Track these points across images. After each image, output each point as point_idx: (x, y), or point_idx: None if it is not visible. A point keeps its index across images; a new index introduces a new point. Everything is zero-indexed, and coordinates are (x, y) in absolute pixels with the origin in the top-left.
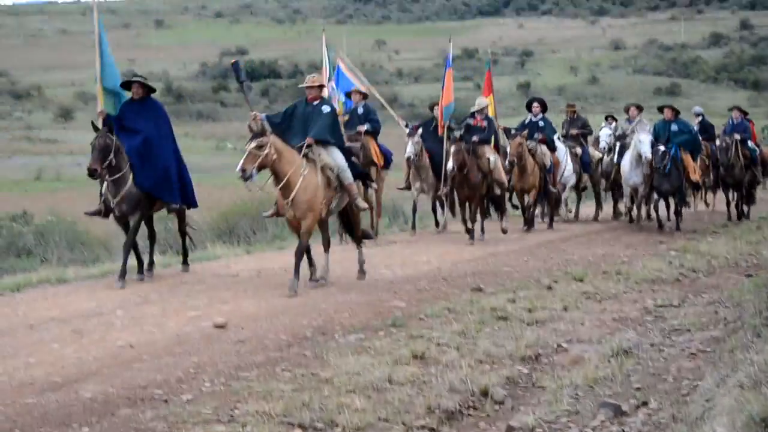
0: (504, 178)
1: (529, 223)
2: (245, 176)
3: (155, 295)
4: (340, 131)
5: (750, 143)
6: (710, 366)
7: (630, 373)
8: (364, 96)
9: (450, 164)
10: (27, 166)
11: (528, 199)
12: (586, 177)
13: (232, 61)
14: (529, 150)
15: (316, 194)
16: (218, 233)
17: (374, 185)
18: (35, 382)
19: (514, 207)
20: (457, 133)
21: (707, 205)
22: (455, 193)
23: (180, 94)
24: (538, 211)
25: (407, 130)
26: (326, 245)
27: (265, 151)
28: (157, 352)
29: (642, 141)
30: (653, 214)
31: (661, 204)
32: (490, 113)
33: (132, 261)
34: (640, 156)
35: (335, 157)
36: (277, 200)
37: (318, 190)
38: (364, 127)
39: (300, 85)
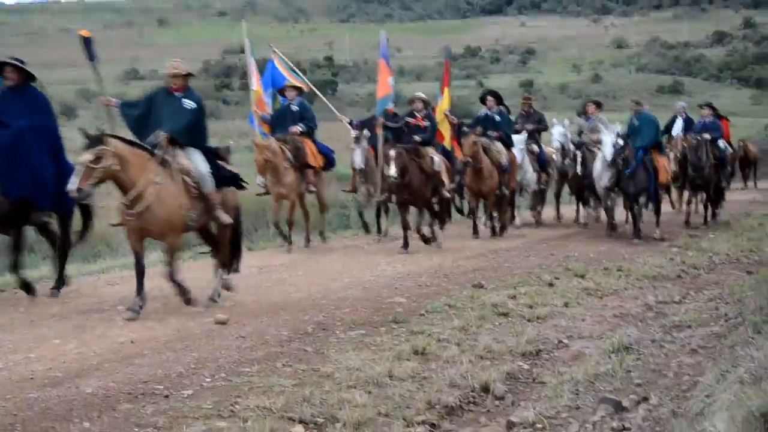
0: (448, 181)
1: (498, 230)
2: (81, 196)
3: (156, 291)
4: (205, 130)
5: (721, 143)
6: (711, 362)
7: (630, 368)
8: (300, 91)
9: (392, 170)
10: None
11: (484, 202)
12: (544, 176)
13: (82, 34)
14: (484, 148)
15: (177, 206)
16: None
17: (312, 188)
18: (36, 377)
19: (459, 212)
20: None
21: (673, 206)
22: (395, 198)
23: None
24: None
25: (353, 132)
26: (221, 262)
27: (104, 164)
28: (158, 347)
29: (604, 142)
30: (612, 216)
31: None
32: (446, 107)
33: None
34: None
35: (195, 161)
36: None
37: (178, 201)
38: (298, 128)
39: (162, 72)
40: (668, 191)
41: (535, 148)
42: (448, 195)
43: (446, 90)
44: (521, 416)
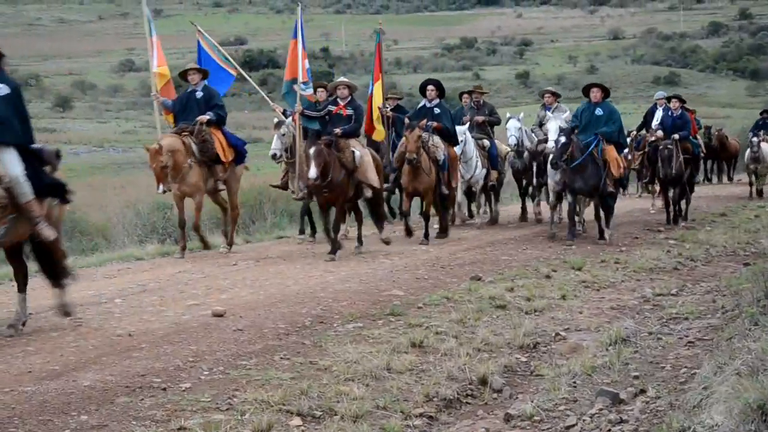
0: (375, 177)
1: (443, 230)
2: None
3: (154, 284)
4: (25, 124)
5: (693, 139)
6: (708, 354)
7: (628, 361)
8: (204, 75)
9: (313, 172)
10: None
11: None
12: (494, 174)
13: None
14: (422, 143)
15: None
16: (217, 223)
17: (221, 185)
18: (34, 371)
19: (392, 214)
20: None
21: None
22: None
23: (178, 83)
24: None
25: (275, 119)
26: (21, 283)
27: None
28: (155, 340)
29: (550, 129)
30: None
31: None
32: (378, 101)
33: None
34: None
35: (7, 163)
36: None
37: None
38: (206, 117)
39: None
40: (623, 186)
41: (485, 142)
42: (369, 195)
43: (378, 82)
44: (519, 409)
